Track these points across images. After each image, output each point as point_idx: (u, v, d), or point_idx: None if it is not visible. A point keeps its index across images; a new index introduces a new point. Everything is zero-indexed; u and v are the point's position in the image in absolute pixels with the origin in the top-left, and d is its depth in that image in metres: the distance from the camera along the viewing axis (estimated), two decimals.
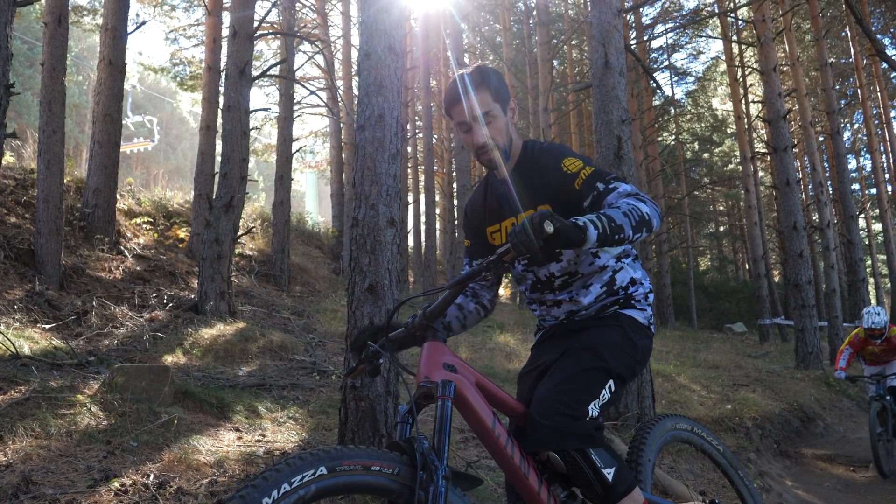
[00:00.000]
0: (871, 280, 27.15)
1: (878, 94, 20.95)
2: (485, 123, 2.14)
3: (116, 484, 3.20)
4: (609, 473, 1.90)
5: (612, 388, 2.06)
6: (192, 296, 9.57)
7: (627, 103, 6.01)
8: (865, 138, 28.75)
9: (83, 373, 5.43)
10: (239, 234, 9.63)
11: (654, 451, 2.32)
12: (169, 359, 6.91)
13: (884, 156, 22.73)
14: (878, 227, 32.86)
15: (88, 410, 4.22)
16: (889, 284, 26.23)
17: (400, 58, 3.83)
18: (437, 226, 22.61)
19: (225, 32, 13.92)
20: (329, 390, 6.60)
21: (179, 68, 19.25)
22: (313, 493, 1.44)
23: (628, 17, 18.24)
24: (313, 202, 43.51)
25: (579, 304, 2.24)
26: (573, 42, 25.03)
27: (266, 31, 15.19)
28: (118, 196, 11.16)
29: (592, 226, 1.78)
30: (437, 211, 22.30)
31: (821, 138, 22.71)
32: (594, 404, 1.98)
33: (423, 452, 1.60)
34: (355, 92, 19.96)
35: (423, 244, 19.33)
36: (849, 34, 19.55)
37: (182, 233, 12.54)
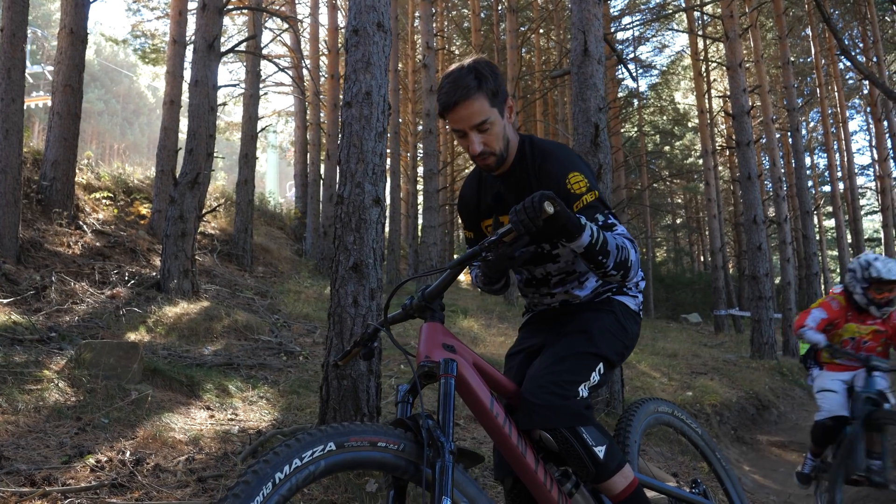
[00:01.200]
0: (821, 275, 27.98)
1: (836, 93, 21.51)
2: (482, 131, 2.03)
3: (91, 460, 3.14)
4: (600, 451, 1.94)
5: (601, 371, 2.10)
6: (154, 273, 9.37)
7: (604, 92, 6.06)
8: (820, 136, 29.58)
9: (46, 348, 5.29)
10: (204, 211, 9.45)
11: (639, 433, 2.37)
12: (132, 336, 6.76)
13: (838, 154, 23.38)
14: (829, 223, 33.90)
15: (56, 386, 4.12)
16: (837, 279, 27.06)
17: (388, 35, 3.79)
18: (401, 209, 22.52)
19: (191, 5, 13.60)
20: (297, 371, 6.55)
21: (141, 41, 18.73)
22: (322, 468, 1.46)
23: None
24: (274, 182, 42.93)
25: (575, 298, 2.27)
26: (541, 31, 25.07)
27: (235, 6, 14.84)
28: (77, 170, 10.83)
29: (590, 231, 1.82)
30: (401, 194, 22.19)
31: (777, 135, 23.24)
32: (584, 386, 2.02)
33: (428, 429, 1.61)
34: (322, 71, 19.75)
35: (387, 227, 19.26)
36: (810, 34, 20.00)
37: (144, 209, 12.25)
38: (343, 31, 20.28)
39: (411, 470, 1.62)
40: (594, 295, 2.26)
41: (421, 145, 24.70)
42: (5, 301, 6.70)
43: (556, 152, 2.13)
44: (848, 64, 22.97)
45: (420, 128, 23.74)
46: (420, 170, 25.17)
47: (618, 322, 2.18)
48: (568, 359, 2.04)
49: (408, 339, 8.50)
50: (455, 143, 31.24)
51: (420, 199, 25.08)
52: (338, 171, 3.75)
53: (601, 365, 2.09)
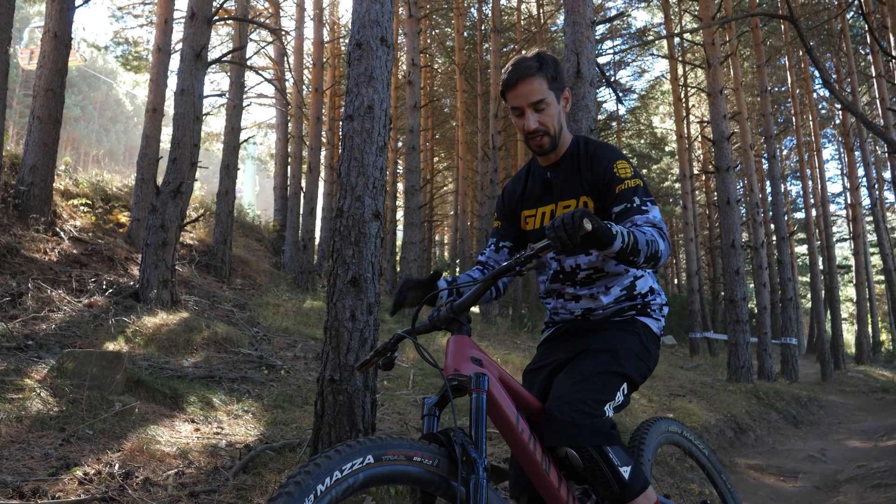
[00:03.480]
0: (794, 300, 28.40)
1: (811, 122, 21.98)
2: (538, 110, 2.17)
3: (79, 472, 3.05)
4: (625, 471, 1.93)
5: (625, 392, 2.11)
6: (132, 283, 9.22)
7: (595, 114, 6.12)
8: (793, 164, 30.15)
9: (24, 356, 5.16)
10: (186, 221, 9.33)
11: (651, 451, 2.37)
12: (111, 346, 6.63)
13: (811, 181, 23.84)
14: (800, 249, 34.48)
15: (38, 396, 4.01)
16: (809, 305, 27.48)
17: (391, 49, 3.79)
18: None
19: (177, 14, 13.53)
20: (280, 385, 6.47)
21: (123, 47, 18.56)
22: (361, 481, 1.45)
23: None
24: (251, 194, 42.61)
25: (598, 303, 2.27)
26: (524, 52, 25.31)
27: (224, 17, 14.79)
28: (55, 175, 10.65)
29: (621, 238, 1.83)
30: None
31: (753, 161, 23.67)
32: (609, 405, 2.02)
33: (462, 445, 1.59)
34: (306, 84, 19.71)
35: None
36: (786, 63, 20.44)
37: (122, 217, 12.07)
38: (328, 45, 20.34)
39: (443, 486, 1.60)
40: (617, 308, 2.27)
41: (401, 162, 24.74)
42: None
43: (608, 145, 2.28)
44: (823, 93, 23.55)
45: (400, 144, 23.76)
46: (399, 186, 25.19)
47: (642, 343, 2.20)
48: (594, 377, 2.03)
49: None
50: (435, 159, 31.33)
51: (399, 214, 25.10)
52: (337, 183, 3.73)
53: (625, 385, 2.10)
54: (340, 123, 3.89)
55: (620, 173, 2.14)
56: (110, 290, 8.58)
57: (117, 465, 3.22)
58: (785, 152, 30.95)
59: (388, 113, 3.74)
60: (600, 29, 25.54)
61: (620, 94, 28.84)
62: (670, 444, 2.59)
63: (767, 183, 17.35)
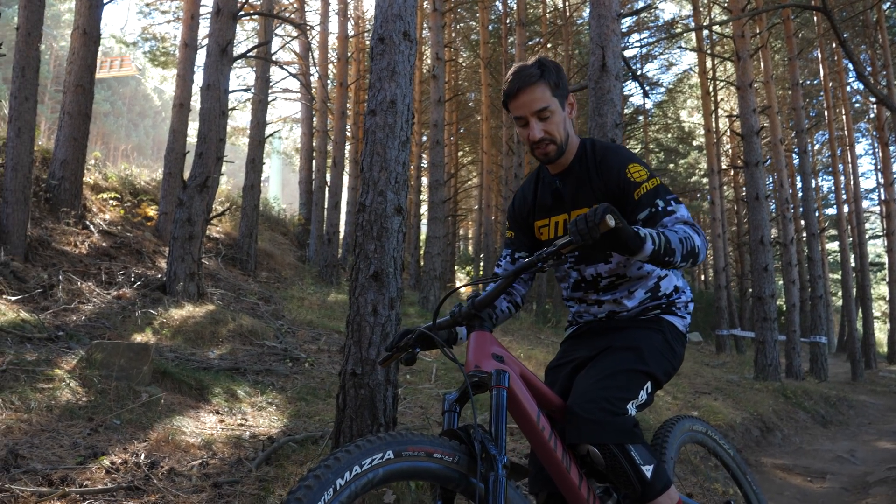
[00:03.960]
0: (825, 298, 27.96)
1: (843, 116, 21.55)
2: (542, 119, 2.10)
3: (106, 462, 3.11)
4: (648, 470, 1.91)
5: (649, 391, 2.09)
6: (160, 275, 9.35)
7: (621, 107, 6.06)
8: (825, 159, 29.63)
9: (55, 347, 5.26)
10: (212, 215, 9.43)
11: (675, 450, 2.34)
12: (138, 337, 6.73)
13: (843, 177, 23.40)
14: (832, 245, 33.92)
15: (68, 386, 4.09)
16: (840, 303, 27.03)
17: (414, 44, 3.79)
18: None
19: (204, 10, 13.66)
20: (304, 377, 6.52)
21: (151, 43, 18.78)
22: (381, 476, 1.46)
23: None
24: (277, 188, 42.99)
25: (622, 307, 2.25)
26: (549, 46, 25.17)
27: (249, 12, 14.89)
28: (85, 170, 10.83)
29: (651, 240, 1.80)
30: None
31: (784, 156, 23.29)
32: (632, 404, 2.00)
33: (481, 442, 1.59)
34: (331, 79, 19.78)
35: None
36: (819, 56, 20.06)
37: (150, 211, 12.24)
38: (352, 39, 20.39)
39: (463, 482, 1.60)
40: (642, 309, 2.24)
41: (425, 156, 24.75)
42: (13, 298, 6.68)
43: (615, 148, 2.20)
44: (857, 87, 23.09)
45: (425, 138, 23.76)
46: (424, 180, 25.21)
47: (666, 342, 2.17)
48: (618, 375, 2.01)
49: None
50: (459, 153, 31.30)
51: (423, 209, 25.12)
52: (360, 178, 3.74)
53: (649, 384, 2.07)
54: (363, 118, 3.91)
55: (635, 177, 2.08)
56: (138, 283, 8.71)
57: (143, 455, 3.27)
58: (817, 147, 30.43)
59: (411, 108, 3.74)
60: (627, 22, 25.29)
61: (647, 88, 28.58)
62: (694, 443, 2.56)
63: (798, 178, 17.08)
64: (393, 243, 3.55)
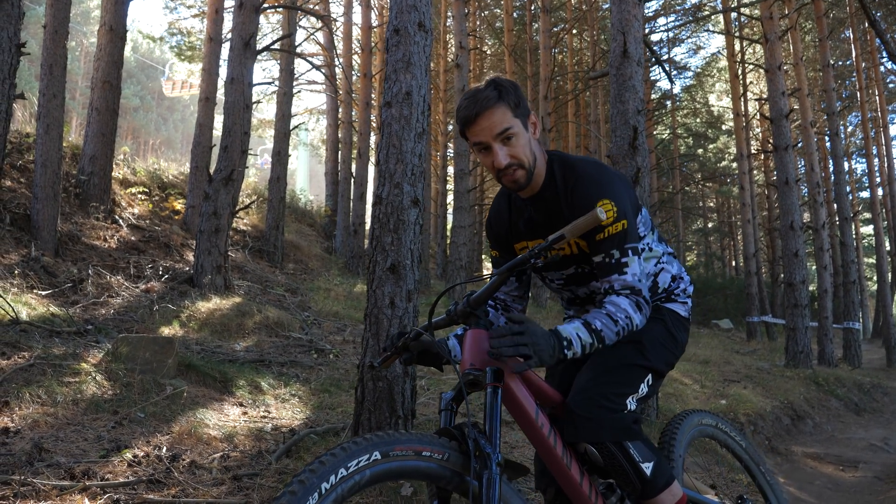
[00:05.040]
0: (858, 283, 27.42)
1: (877, 97, 21.02)
2: (506, 142, 1.94)
3: (129, 455, 3.16)
4: (647, 468, 1.89)
5: (650, 383, 2.05)
6: (188, 268, 9.47)
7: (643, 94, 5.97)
8: (858, 141, 28.96)
9: (83, 341, 5.36)
10: (237, 208, 9.52)
11: (683, 447, 2.31)
12: (166, 330, 6.84)
13: (877, 159, 22.86)
14: (866, 229, 33.19)
15: (93, 379, 4.16)
16: (875, 287, 26.46)
17: (429, 35, 3.76)
18: (430, 209, 22.52)
19: (228, 3, 13.72)
20: (328, 369, 6.56)
21: (177, 38, 18.96)
22: (368, 478, 1.45)
23: None
24: (304, 180, 43.23)
25: None
26: (574, 31, 24.90)
27: (271, 5, 14.96)
28: (114, 165, 10.99)
29: (580, 346, 1.83)
30: (431, 194, 22.20)
31: (815, 139, 22.83)
32: (632, 398, 1.97)
33: (475, 440, 1.58)
34: (355, 70, 19.81)
35: None
36: (851, 36, 19.57)
37: (178, 205, 12.39)
38: (376, 30, 20.36)
39: (456, 480, 1.59)
40: None
41: (451, 145, 24.69)
42: (44, 293, 6.81)
43: (588, 175, 2.01)
44: (890, 67, 22.49)
45: (451, 128, 23.69)
46: (450, 169, 25.17)
47: (667, 331, 2.12)
48: (617, 370, 1.98)
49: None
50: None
51: (449, 198, 25.09)
52: (376, 171, 3.73)
53: (650, 376, 2.04)
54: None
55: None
56: (166, 276, 8.84)
57: (165, 448, 3.32)
58: (850, 129, 29.75)
59: (427, 99, 3.72)
60: (654, 5, 24.93)
61: (675, 72, 28.15)
62: (705, 438, 2.52)
63: (830, 161, 16.72)
64: (410, 235, 3.54)
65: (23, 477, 2.67)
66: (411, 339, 1.93)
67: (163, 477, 2.97)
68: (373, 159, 21.33)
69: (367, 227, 20.61)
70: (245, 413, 4.48)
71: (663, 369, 2.09)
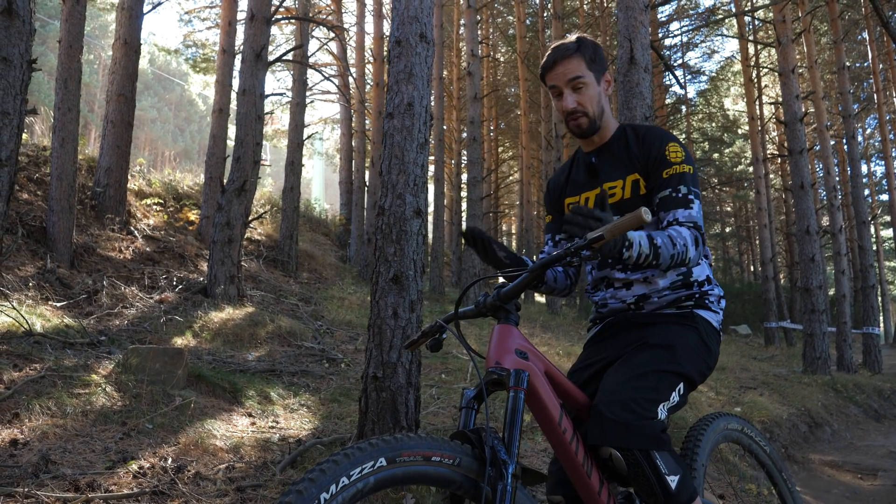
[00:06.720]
0: (878, 287, 27.04)
1: (894, 99, 20.78)
2: (576, 90, 2.14)
3: (134, 466, 3.18)
4: (673, 481, 1.80)
5: (681, 392, 1.98)
6: (202, 279, 9.54)
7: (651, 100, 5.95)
8: (877, 144, 28.62)
9: (95, 352, 5.41)
10: (250, 218, 9.59)
11: (706, 454, 2.20)
12: (179, 341, 6.89)
13: (895, 162, 22.57)
14: (886, 233, 32.78)
15: (103, 390, 4.20)
16: (895, 291, 26.10)
17: (431, 46, 3.78)
18: (445, 217, 22.54)
19: (240, 16, 13.86)
20: (339, 378, 6.58)
21: (192, 50, 19.17)
22: (372, 485, 1.38)
23: None
24: (320, 189, 43.43)
25: (653, 287, 2.15)
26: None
27: (283, 16, 15.08)
28: (129, 176, 11.12)
29: (637, 248, 1.77)
30: (445, 202, 22.22)
31: (832, 143, 22.59)
32: (663, 406, 1.89)
33: (492, 447, 1.52)
34: (367, 80, 19.92)
35: (431, 234, 19.30)
36: (866, 38, 19.38)
37: (192, 215, 12.50)
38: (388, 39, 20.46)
39: (469, 486, 1.52)
40: (675, 297, 2.14)
41: (465, 153, 24.72)
42: (59, 304, 6.89)
43: (659, 130, 2.20)
44: None
45: (465, 135, 23.73)
46: (464, 177, 25.19)
47: (701, 340, 2.07)
48: (649, 375, 1.91)
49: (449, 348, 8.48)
50: (500, 149, 31.17)
51: (464, 205, 25.10)
52: (379, 181, 3.75)
53: (682, 385, 1.97)
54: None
55: (671, 156, 2.07)
56: (180, 287, 8.91)
57: (171, 459, 3.34)
58: (868, 131, 29.43)
59: (429, 110, 3.73)
60: (667, 10, 24.83)
61: (690, 77, 28.02)
62: (729, 442, 2.46)
63: (848, 164, 16.55)
64: (412, 246, 3.55)
65: (27, 489, 2.70)
66: (437, 328, 1.89)
67: (167, 488, 2.99)
68: None
69: None
70: (253, 423, 4.50)
71: (696, 378, 2.03)
